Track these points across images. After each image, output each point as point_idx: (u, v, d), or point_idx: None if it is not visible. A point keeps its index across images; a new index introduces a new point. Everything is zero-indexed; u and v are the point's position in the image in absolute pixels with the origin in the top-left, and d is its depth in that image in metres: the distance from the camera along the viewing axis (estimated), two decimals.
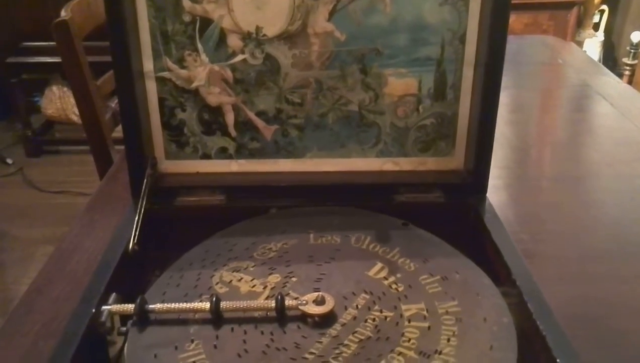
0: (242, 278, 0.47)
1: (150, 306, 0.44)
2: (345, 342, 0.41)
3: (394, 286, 0.46)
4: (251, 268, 0.48)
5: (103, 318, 0.43)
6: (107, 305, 0.44)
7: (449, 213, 0.58)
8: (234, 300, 0.44)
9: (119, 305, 0.44)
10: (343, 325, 0.43)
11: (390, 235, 0.52)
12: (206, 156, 0.59)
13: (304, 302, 0.45)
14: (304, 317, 0.44)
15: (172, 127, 0.57)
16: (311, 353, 0.40)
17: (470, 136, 0.58)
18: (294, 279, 0.47)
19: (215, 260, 0.49)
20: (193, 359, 0.40)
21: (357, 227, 0.53)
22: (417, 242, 0.52)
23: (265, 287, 0.46)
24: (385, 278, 0.47)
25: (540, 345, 0.41)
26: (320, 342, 0.41)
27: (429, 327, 0.42)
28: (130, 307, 0.44)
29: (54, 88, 2.13)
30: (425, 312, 0.43)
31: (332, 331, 0.42)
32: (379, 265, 0.49)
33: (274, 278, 0.47)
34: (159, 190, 0.57)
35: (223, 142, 0.58)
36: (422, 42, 0.55)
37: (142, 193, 0.54)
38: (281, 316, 0.44)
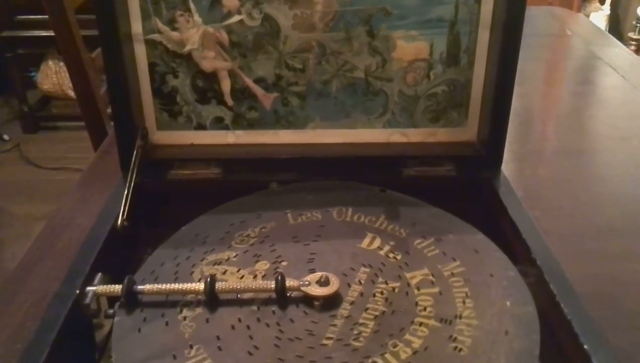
0: (226, 271, 0.43)
1: (139, 287, 0.41)
2: (361, 320, 0.38)
3: (391, 255, 0.44)
4: (233, 259, 0.44)
5: (88, 300, 0.40)
6: (92, 285, 0.41)
7: (461, 188, 0.54)
8: (221, 297, 0.40)
9: (105, 286, 0.41)
10: (352, 303, 0.40)
11: (372, 204, 0.50)
12: (201, 126, 0.55)
13: (306, 282, 0.41)
14: (306, 300, 0.40)
15: (163, 95, 0.53)
16: (329, 338, 0.37)
17: (485, 105, 0.54)
18: (284, 263, 0.43)
19: (190, 256, 0.44)
20: None
21: (334, 200, 0.50)
22: (401, 207, 0.49)
23: (255, 276, 0.42)
24: (380, 248, 0.45)
25: (564, 330, 0.38)
26: (335, 325, 0.38)
27: (440, 292, 0.41)
28: (117, 287, 0.40)
29: (50, 63, 2.09)
30: (431, 277, 0.42)
31: (343, 311, 0.39)
32: (370, 235, 0.46)
33: (262, 266, 0.43)
34: (150, 162, 0.53)
35: (219, 112, 0.54)
36: (434, 1, 0.51)
37: (131, 166, 0.50)
38: (281, 298, 0.40)
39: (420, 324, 0.38)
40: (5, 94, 2.22)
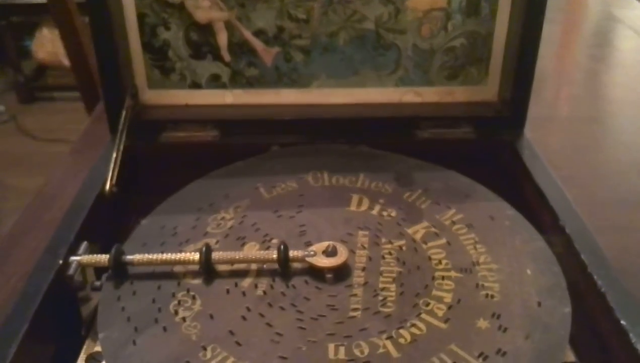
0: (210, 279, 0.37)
1: (128, 257, 0.37)
2: (381, 285, 0.36)
3: (384, 214, 0.42)
4: (215, 246, 0.39)
5: (71, 270, 0.36)
6: (76, 255, 0.37)
7: (480, 152, 0.50)
8: (218, 288, 0.36)
9: (90, 256, 0.37)
10: (363, 269, 0.37)
11: (346, 163, 0.47)
12: (196, 85, 0.50)
13: (312, 252, 0.37)
14: (313, 273, 0.37)
15: (154, 50, 0.49)
16: (355, 309, 0.34)
17: (508, 60, 0.50)
18: (274, 241, 0.39)
19: (164, 252, 0.38)
20: None
21: (305, 165, 0.46)
22: (377, 162, 0.47)
23: (250, 246, 0.38)
24: (371, 208, 0.42)
25: (598, 304, 0.34)
26: (355, 295, 0.35)
27: (448, 243, 0.39)
28: (103, 257, 0.37)
29: (45, 31, 2.03)
30: (433, 229, 0.40)
31: (358, 279, 0.36)
32: (356, 197, 0.43)
33: (252, 248, 0.39)
34: (141, 124, 0.49)
35: (215, 68, 0.50)
36: None
37: (120, 128, 0.46)
38: (285, 270, 0.37)
39: (443, 278, 0.36)
40: None
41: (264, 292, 0.35)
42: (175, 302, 0.35)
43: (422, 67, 0.50)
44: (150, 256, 0.37)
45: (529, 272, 0.37)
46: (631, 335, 0.31)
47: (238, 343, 0.32)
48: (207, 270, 0.37)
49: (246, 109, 0.50)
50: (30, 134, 1.91)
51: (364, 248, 0.39)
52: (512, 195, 0.44)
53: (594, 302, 0.35)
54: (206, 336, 0.33)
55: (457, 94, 0.51)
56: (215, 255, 0.37)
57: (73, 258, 0.37)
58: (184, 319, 0.34)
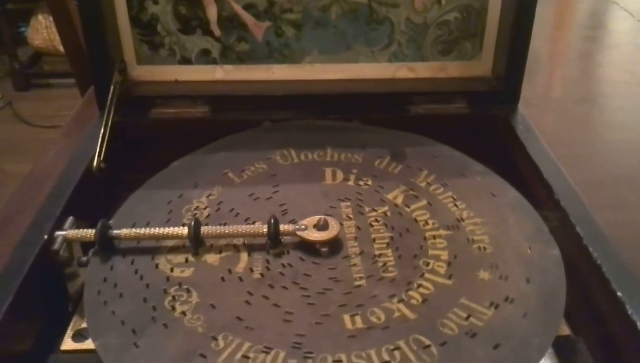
0: (197, 251, 0.36)
1: (115, 231, 0.36)
2: (377, 252, 0.36)
3: (361, 183, 0.42)
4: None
5: (56, 245, 0.35)
6: (62, 230, 0.36)
7: (475, 127, 0.49)
8: (212, 278, 0.35)
9: (76, 231, 0.36)
10: (355, 239, 0.37)
11: (310, 138, 0.46)
12: (185, 60, 0.49)
13: (303, 226, 0.37)
14: (306, 248, 0.36)
15: (142, 24, 0.48)
16: (359, 279, 0.34)
17: (502, 35, 0.49)
18: (257, 224, 0.38)
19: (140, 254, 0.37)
20: None
21: (270, 145, 0.45)
22: (341, 133, 0.47)
23: (236, 246, 0.37)
24: (346, 179, 0.42)
25: (594, 277, 0.33)
26: (355, 265, 0.35)
27: (429, 203, 0.40)
28: (89, 232, 0.36)
29: (40, 17, 2.01)
30: (412, 192, 0.41)
31: (353, 249, 0.36)
32: (329, 170, 0.43)
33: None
34: (130, 100, 0.48)
35: (205, 43, 0.49)
36: None
37: (108, 103, 0.45)
38: (275, 244, 0.36)
39: (434, 237, 0.37)
40: None
41: (261, 275, 0.35)
42: (169, 297, 0.33)
43: (416, 42, 0.49)
44: (137, 230, 0.36)
45: (511, 221, 0.38)
46: (628, 306, 0.31)
47: (249, 328, 0.31)
48: (196, 244, 0.36)
49: (237, 84, 0.50)
50: (26, 121, 1.90)
51: (350, 218, 0.39)
52: (507, 170, 0.43)
53: (589, 274, 0.34)
54: (213, 326, 0.31)
55: (451, 69, 0.50)
56: (204, 229, 0.36)
57: (58, 233, 0.36)
58: (184, 313, 0.32)
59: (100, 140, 0.43)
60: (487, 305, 0.32)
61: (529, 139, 0.45)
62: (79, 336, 0.35)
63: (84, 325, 0.34)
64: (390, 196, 0.40)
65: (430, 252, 0.36)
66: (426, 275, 0.34)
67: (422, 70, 0.50)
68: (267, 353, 0.30)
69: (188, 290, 0.34)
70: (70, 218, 0.37)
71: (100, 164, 0.43)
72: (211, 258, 0.36)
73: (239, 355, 0.30)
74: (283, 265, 0.35)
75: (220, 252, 0.36)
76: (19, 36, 2.08)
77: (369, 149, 0.45)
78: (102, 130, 0.44)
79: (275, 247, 0.36)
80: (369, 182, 0.42)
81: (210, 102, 0.48)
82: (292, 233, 0.37)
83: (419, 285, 0.34)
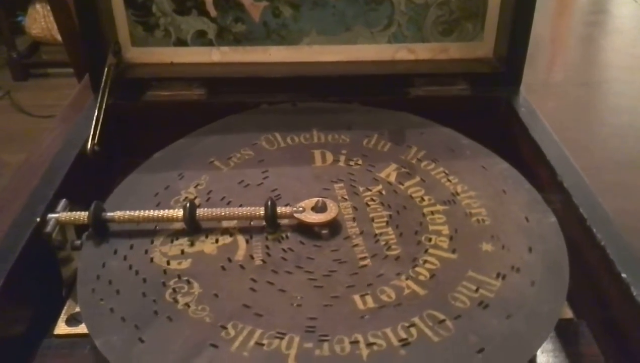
0: (192, 242, 0.35)
1: (109, 214, 0.35)
2: (377, 231, 0.36)
3: (351, 163, 0.41)
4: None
5: (49, 228, 0.35)
6: (54, 213, 0.36)
7: (476, 109, 0.48)
8: (212, 268, 0.34)
9: (69, 213, 0.36)
10: (354, 219, 0.37)
11: (294, 121, 0.45)
12: (181, 42, 0.48)
13: (301, 208, 0.36)
14: (303, 232, 0.35)
15: (137, 5, 0.47)
16: (363, 258, 0.34)
17: (504, 15, 0.48)
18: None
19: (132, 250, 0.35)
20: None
21: (253, 130, 0.44)
22: (326, 115, 0.46)
23: (232, 235, 0.36)
24: (336, 160, 0.42)
25: (598, 258, 0.33)
26: (357, 245, 0.35)
27: (422, 180, 0.40)
28: (82, 214, 0.35)
29: (38, 6, 1.99)
30: (404, 169, 0.41)
31: (353, 230, 0.36)
32: (317, 152, 0.42)
33: (230, 223, 0.36)
34: (125, 83, 0.47)
35: (201, 24, 0.48)
36: None
37: (102, 85, 0.44)
38: (272, 227, 0.35)
39: (432, 213, 0.37)
40: None
41: (263, 261, 0.34)
42: (169, 290, 0.32)
43: (416, 23, 0.48)
44: (132, 213, 0.36)
45: (505, 192, 0.38)
46: (632, 288, 0.30)
47: (258, 315, 0.30)
48: (192, 227, 0.35)
49: (233, 66, 0.49)
50: (24, 111, 1.89)
51: (345, 199, 0.38)
52: (509, 153, 0.42)
53: (593, 256, 0.33)
54: (221, 315, 0.30)
55: (452, 50, 0.49)
56: (200, 211, 0.36)
57: (51, 215, 0.35)
58: (187, 305, 0.31)
59: (94, 123, 0.42)
60: (494, 276, 0.32)
61: (531, 120, 0.44)
62: (72, 320, 0.34)
63: (78, 309, 0.34)
64: (382, 175, 0.40)
65: (431, 227, 0.36)
66: (430, 250, 0.34)
67: (422, 51, 0.49)
68: (281, 338, 0.29)
69: (188, 282, 0.32)
70: (63, 201, 0.37)
71: (95, 147, 0.42)
72: (208, 248, 0.35)
73: (252, 343, 0.29)
74: (284, 250, 0.34)
75: (216, 242, 0.35)
76: (16, 25, 2.07)
77: (355, 128, 0.44)
78: (96, 113, 0.43)
79: (273, 230, 0.36)
80: (360, 162, 0.41)
81: (206, 84, 0.48)
82: (290, 216, 0.36)
83: (425, 261, 0.33)
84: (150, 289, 0.32)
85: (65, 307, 0.35)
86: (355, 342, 0.29)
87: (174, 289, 0.32)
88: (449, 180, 0.39)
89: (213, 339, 0.29)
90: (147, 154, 0.43)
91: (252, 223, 0.36)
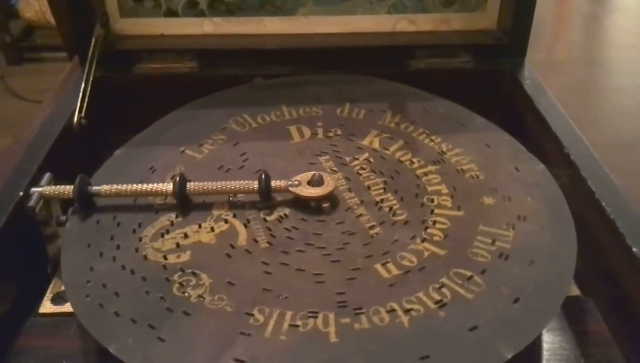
0: (186, 234, 0.33)
1: (95, 188, 0.34)
2: (377, 199, 0.35)
3: (330, 135, 0.40)
4: (177, 220, 0.33)
5: (32, 202, 0.33)
6: (38, 186, 0.34)
7: (480, 82, 0.46)
8: (215, 256, 0.32)
9: (53, 187, 0.34)
10: (350, 190, 0.36)
11: (258, 99, 0.43)
12: (172, 13, 0.46)
13: (296, 182, 0.34)
14: (300, 208, 0.34)
15: None
16: (372, 227, 0.33)
17: None
18: (239, 196, 0.35)
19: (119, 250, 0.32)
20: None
21: (220, 114, 0.42)
22: (290, 90, 0.44)
23: (227, 221, 0.33)
24: (314, 133, 0.40)
25: (607, 232, 0.31)
26: (362, 215, 0.34)
27: (406, 143, 0.39)
28: (67, 188, 0.34)
29: None
30: (385, 135, 0.40)
31: (353, 200, 0.35)
32: (293, 128, 0.41)
33: (221, 210, 0.34)
34: (113, 55, 0.45)
35: None
36: None
37: (90, 56, 0.43)
38: (266, 201, 0.34)
39: (425, 174, 0.37)
40: None
41: (269, 243, 0.32)
42: (176, 285, 0.30)
43: None
44: (119, 187, 0.34)
45: (489, 146, 0.38)
46: None
47: (283, 297, 0.29)
48: (182, 201, 0.34)
49: (226, 38, 0.47)
50: (19, 95, 1.86)
51: (335, 171, 0.37)
52: (513, 126, 0.41)
53: (602, 230, 0.32)
54: (242, 303, 0.28)
55: (454, 21, 0.47)
56: (191, 185, 0.34)
57: (34, 189, 0.34)
58: (201, 297, 0.29)
59: (80, 95, 0.41)
60: (505, 226, 0.32)
61: (536, 93, 0.42)
62: (58, 299, 0.33)
63: (64, 288, 0.32)
64: (365, 142, 0.39)
65: (429, 188, 0.35)
66: (436, 211, 0.34)
67: (423, 22, 0.47)
68: (315, 317, 0.28)
69: (194, 274, 0.30)
70: (48, 175, 0.35)
71: (82, 120, 0.40)
72: (205, 237, 0.32)
73: (285, 326, 0.27)
74: (287, 229, 0.33)
75: (212, 230, 0.33)
76: (10, 9, 2.04)
77: (325, 100, 0.43)
78: (83, 85, 0.41)
79: (267, 206, 0.34)
80: (339, 133, 0.40)
81: (198, 56, 0.46)
82: (285, 189, 0.34)
83: (434, 222, 0.33)
84: (153, 287, 0.30)
85: (51, 285, 0.34)
86: (392, 311, 0.28)
87: (180, 283, 0.30)
88: (432, 140, 0.39)
89: (242, 327, 0.27)
90: (137, 129, 0.41)
91: (244, 204, 0.34)
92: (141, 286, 0.30)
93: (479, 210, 0.34)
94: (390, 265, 0.30)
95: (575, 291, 0.33)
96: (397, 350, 0.26)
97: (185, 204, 0.34)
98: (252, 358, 0.26)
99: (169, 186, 0.34)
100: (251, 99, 0.43)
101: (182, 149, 0.39)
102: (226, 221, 0.33)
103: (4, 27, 1.98)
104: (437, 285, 0.29)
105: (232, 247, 0.32)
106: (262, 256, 0.31)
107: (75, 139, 0.40)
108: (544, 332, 0.30)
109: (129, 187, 0.34)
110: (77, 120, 0.40)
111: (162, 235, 0.33)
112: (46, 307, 0.33)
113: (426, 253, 0.31)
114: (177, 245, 0.32)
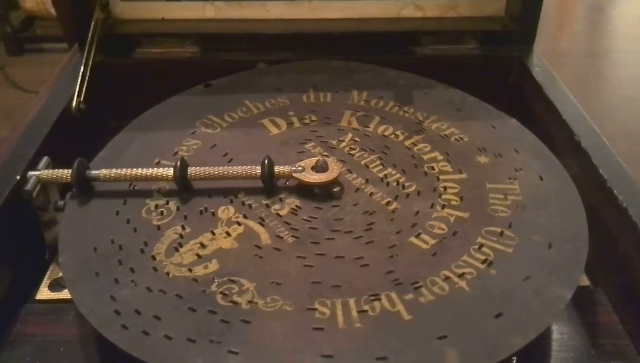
0: (202, 244, 0.31)
1: (94, 172, 0.33)
2: (381, 175, 0.35)
3: (306, 121, 0.39)
4: (184, 231, 0.31)
5: (29, 186, 0.32)
6: (35, 170, 0.33)
7: (487, 69, 0.45)
8: (245, 260, 0.30)
9: (50, 171, 0.33)
10: (349, 171, 0.35)
11: (217, 98, 0.41)
12: None
13: (300, 168, 0.34)
14: (308, 195, 0.33)
15: None
16: (388, 204, 0.33)
17: None
18: (239, 195, 0.33)
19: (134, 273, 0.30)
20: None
21: (182, 118, 0.39)
22: (250, 83, 0.43)
23: (240, 224, 0.32)
24: (290, 123, 0.39)
25: (619, 221, 0.30)
26: (373, 193, 0.34)
27: (383, 118, 0.39)
28: (65, 172, 0.33)
29: None
30: (359, 113, 0.40)
31: (358, 181, 0.35)
32: (266, 120, 0.40)
33: (224, 212, 0.32)
34: (113, 39, 0.44)
35: None
36: None
37: (89, 40, 0.42)
38: (270, 187, 0.33)
39: (414, 144, 0.37)
40: None
41: (295, 237, 0.31)
42: (218, 295, 0.28)
43: None
44: (118, 171, 0.33)
45: (462, 110, 0.39)
46: None
47: (337, 286, 0.28)
48: (183, 186, 0.33)
49: (229, 23, 0.46)
50: (19, 86, 1.85)
51: (327, 156, 0.36)
52: (521, 113, 0.40)
53: (614, 219, 0.31)
54: (300, 299, 0.27)
55: (461, 7, 0.46)
56: (192, 170, 0.33)
57: (31, 173, 0.33)
58: (252, 302, 0.27)
59: (79, 79, 0.40)
60: (508, 180, 0.34)
61: (546, 80, 0.41)
62: (56, 285, 0.32)
63: (62, 274, 0.31)
64: (343, 123, 0.39)
65: (424, 157, 0.36)
66: (442, 177, 0.34)
67: (429, 8, 0.46)
68: (378, 299, 0.27)
69: (232, 281, 0.28)
70: (45, 158, 0.34)
71: (80, 105, 0.39)
72: (225, 243, 0.31)
73: (354, 313, 0.27)
74: (306, 220, 0.32)
75: (229, 235, 0.31)
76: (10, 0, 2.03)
77: (287, 88, 0.42)
78: (82, 69, 0.40)
79: (269, 191, 0.33)
80: (314, 118, 0.40)
81: (200, 41, 0.45)
82: (289, 175, 0.33)
83: (445, 188, 0.33)
84: (195, 302, 0.28)
85: (49, 272, 0.33)
86: (447, 279, 0.28)
87: (222, 293, 0.28)
88: (405, 111, 0.40)
89: (312, 322, 0.26)
90: (137, 114, 0.40)
91: (249, 205, 0.33)
92: (181, 304, 0.27)
93: (478, 169, 0.35)
94: (425, 236, 0.31)
95: (585, 281, 0.32)
96: (470, 314, 0.26)
97: (186, 190, 0.33)
98: (338, 350, 0.25)
99: (169, 171, 0.33)
100: (210, 99, 0.41)
101: (157, 160, 0.36)
102: (239, 223, 0.32)
103: (4, 18, 1.97)
104: (477, 246, 0.30)
105: (259, 247, 0.30)
106: (294, 251, 0.30)
107: (74, 123, 0.40)
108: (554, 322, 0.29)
109: (129, 172, 0.33)
110: (75, 105, 0.39)
111: (177, 249, 0.30)
112: (43, 293, 0.32)
113: (452, 219, 0.31)
114: (198, 256, 0.30)
